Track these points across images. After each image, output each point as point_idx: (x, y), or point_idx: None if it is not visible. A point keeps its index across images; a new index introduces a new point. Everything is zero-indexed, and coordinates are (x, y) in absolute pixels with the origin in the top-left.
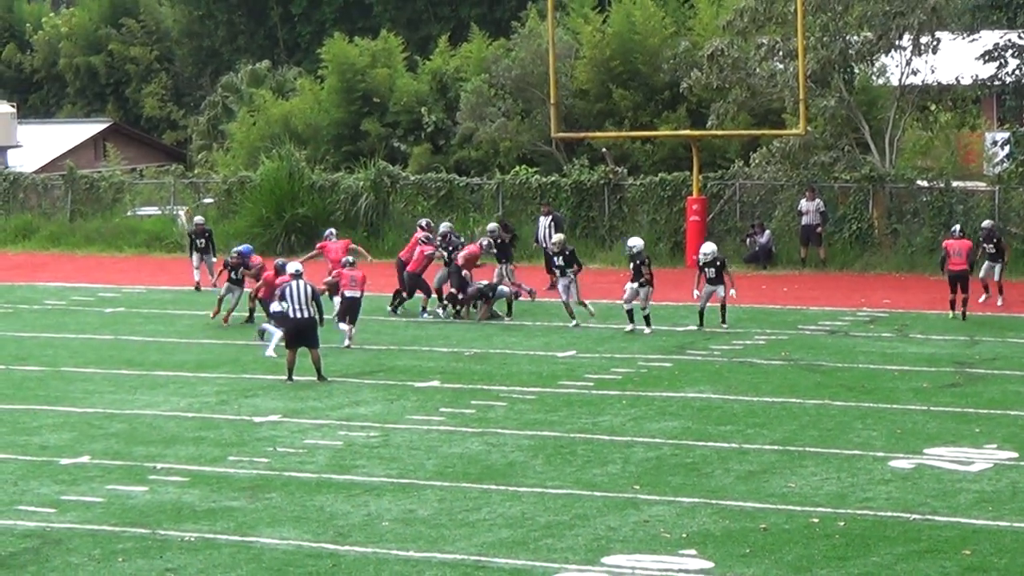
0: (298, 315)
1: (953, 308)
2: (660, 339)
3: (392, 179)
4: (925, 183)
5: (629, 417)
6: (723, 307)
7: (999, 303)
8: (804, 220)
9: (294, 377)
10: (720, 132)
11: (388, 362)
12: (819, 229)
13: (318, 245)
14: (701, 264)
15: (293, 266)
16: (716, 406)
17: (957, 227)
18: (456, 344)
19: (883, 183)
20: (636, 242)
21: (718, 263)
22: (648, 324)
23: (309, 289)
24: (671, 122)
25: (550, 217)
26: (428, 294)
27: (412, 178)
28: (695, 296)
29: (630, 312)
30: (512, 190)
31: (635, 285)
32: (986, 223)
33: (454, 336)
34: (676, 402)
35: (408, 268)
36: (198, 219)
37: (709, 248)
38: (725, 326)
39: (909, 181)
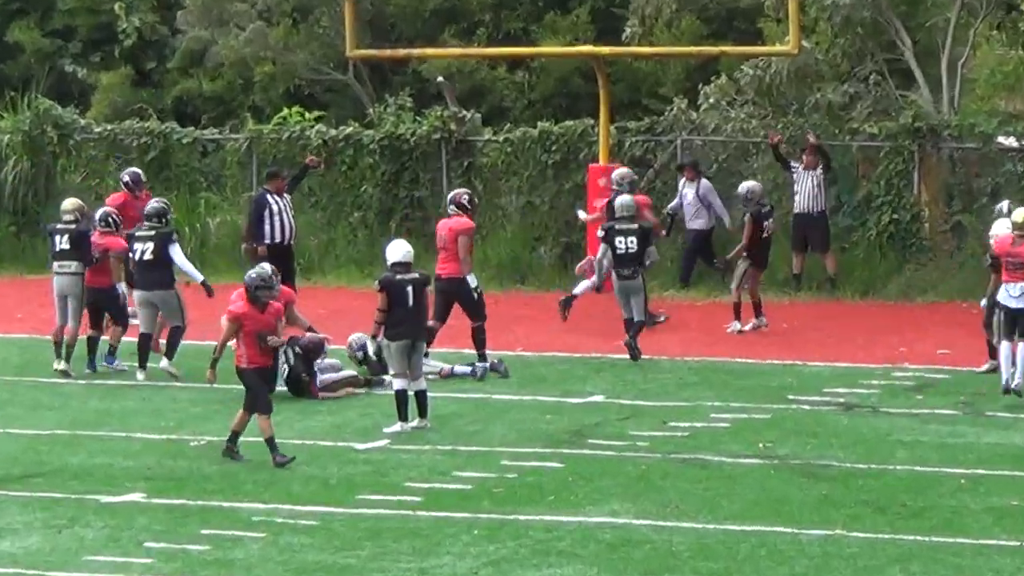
0: None
1: None
2: (543, 417)
3: (62, 130)
4: (1013, 140)
5: (484, 561)
6: None
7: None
8: (800, 205)
9: None
10: (648, 49)
11: (54, 457)
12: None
13: None
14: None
15: None
16: (640, 540)
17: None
18: (176, 424)
19: (938, 141)
20: None
21: None
22: None
23: None
24: (561, 32)
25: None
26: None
27: (97, 129)
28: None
29: None
30: (275, 150)
31: None
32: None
33: (172, 408)
34: (569, 534)
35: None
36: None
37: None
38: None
39: (983, 137)
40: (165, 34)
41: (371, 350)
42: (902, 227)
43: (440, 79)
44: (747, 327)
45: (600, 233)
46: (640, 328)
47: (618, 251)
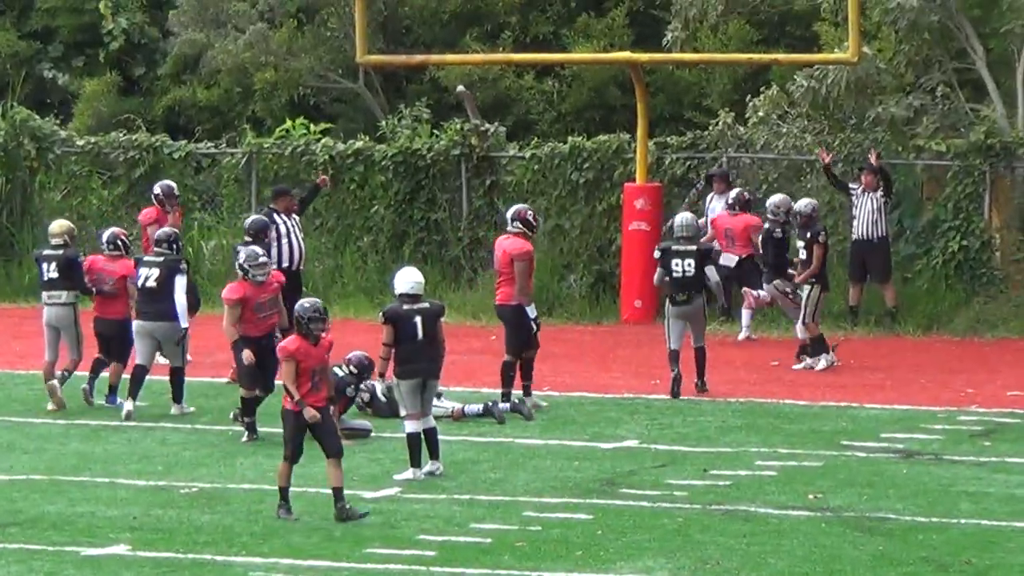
0: None
1: None
2: (571, 463)
3: (41, 143)
4: None
5: None
6: None
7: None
8: (859, 231)
9: None
10: (691, 56)
11: (30, 505)
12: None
13: None
14: None
15: None
16: None
17: None
18: (164, 469)
19: (1012, 161)
20: None
21: None
22: None
23: None
24: (595, 36)
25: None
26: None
27: (80, 142)
28: None
29: None
30: (277, 167)
31: None
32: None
33: (161, 451)
34: None
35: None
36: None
37: None
38: None
39: None
40: (155, 37)
41: (379, 389)
42: (971, 255)
43: (460, 88)
44: (799, 366)
45: (656, 255)
46: (705, 357)
47: (674, 274)
